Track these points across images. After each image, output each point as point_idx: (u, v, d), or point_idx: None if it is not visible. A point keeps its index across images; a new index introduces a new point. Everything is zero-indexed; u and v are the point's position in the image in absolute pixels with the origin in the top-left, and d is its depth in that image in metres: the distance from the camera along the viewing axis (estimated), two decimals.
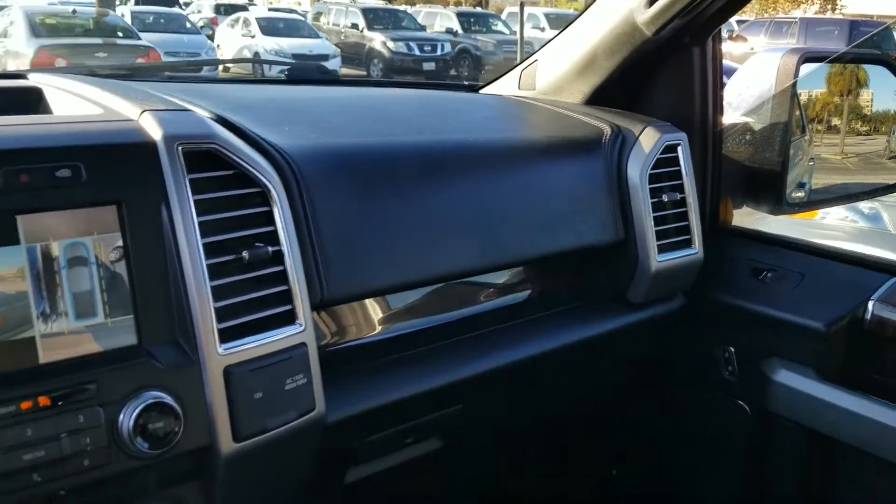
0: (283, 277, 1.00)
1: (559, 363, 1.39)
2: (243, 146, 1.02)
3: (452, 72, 15.71)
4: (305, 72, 1.65)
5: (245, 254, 0.97)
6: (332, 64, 14.88)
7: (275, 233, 1.01)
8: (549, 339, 1.34)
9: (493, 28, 17.65)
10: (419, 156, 1.22)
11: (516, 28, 17.93)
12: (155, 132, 0.95)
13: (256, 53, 15.77)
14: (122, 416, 0.87)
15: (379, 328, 1.27)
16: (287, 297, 1.01)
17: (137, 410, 0.86)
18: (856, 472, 1.45)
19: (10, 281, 0.84)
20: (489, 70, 15.70)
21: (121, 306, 0.91)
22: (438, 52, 15.95)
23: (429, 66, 15.65)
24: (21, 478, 0.81)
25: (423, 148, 1.24)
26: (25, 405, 0.82)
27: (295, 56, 14.93)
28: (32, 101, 1.17)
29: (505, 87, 1.76)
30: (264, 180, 1.00)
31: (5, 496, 0.81)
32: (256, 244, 0.99)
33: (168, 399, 0.88)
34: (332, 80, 1.74)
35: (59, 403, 0.84)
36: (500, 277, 1.45)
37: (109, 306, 0.90)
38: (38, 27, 12.12)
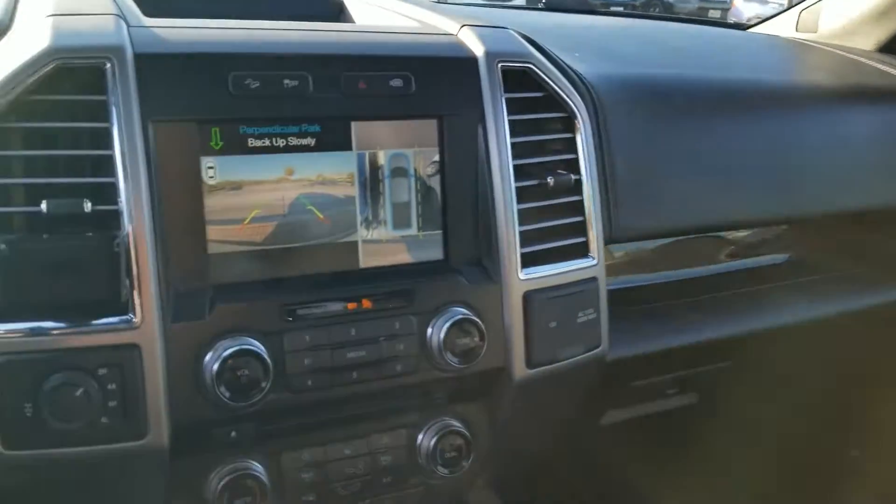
0: (580, 208, 0.97)
1: (835, 331, 1.29)
2: (554, 69, 0.98)
3: (631, 12, 15.01)
4: (564, 2, 1.61)
5: (550, 179, 0.95)
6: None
7: (576, 161, 0.98)
8: (831, 303, 1.24)
9: None
10: (714, 92, 1.15)
11: None
12: (476, 47, 0.93)
13: None
14: (430, 329, 0.87)
15: (655, 272, 1.22)
16: (582, 228, 0.98)
17: (448, 324, 0.87)
18: None
19: (341, 185, 0.86)
20: (681, 19, 14.87)
21: (432, 220, 0.91)
22: None
23: (617, 10, 15.04)
24: (343, 375, 0.84)
25: (718, 84, 1.16)
26: (351, 306, 0.84)
27: None
28: (333, 12, 1.18)
29: (780, 27, 1.62)
30: (572, 105, 0.97)
31: (326, 390, 0.84)
32: (558, 171, 0.96)
33: (474, 317, 0.88)
34: (590, 10, 1.66)
35: (380, 308, 0.85)
36: (775, 231, 1.36)
37: (423, 219, 0.91)
38: None
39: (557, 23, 1.36)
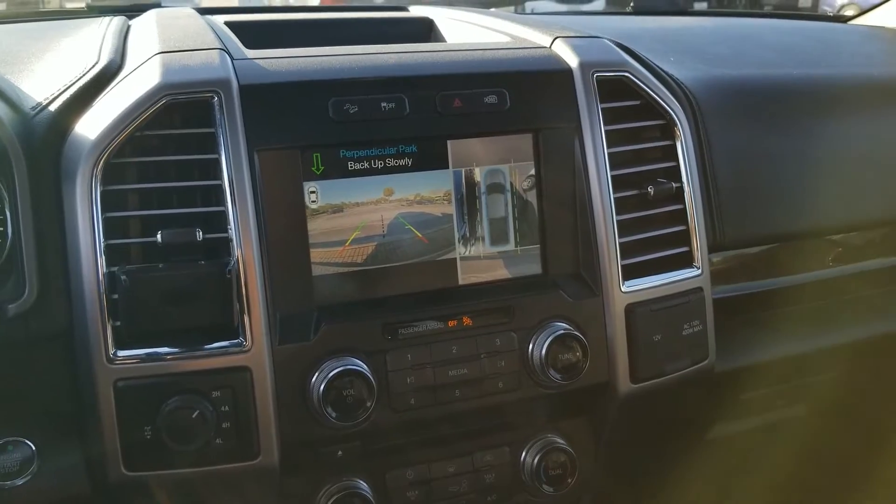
0: (682, 217, 0.95)
1: None
2: (650, 76, 0.96)
3: (722, 10, 14.57)
4: (652, 3, 1.57)
5: (650, 189, 0.92)
6: (596, 6, 14.47)
7: (676, 169, 0.95)
8: None
9: None
10: (818, 91, 1.10)
11: None
12: (570, 59, 0.92)
13: None
14: (532, 344, 0.87)
15: (752, 278, 1.18)
16: (685, 238, 0.95)
17: (549, 339, 0.86)
18: None
19: (438, 203, 0.87)
20: (767, 9, 14.37)
21: (529, 235, 0.90)
22: None
23: (700, 5, 14.63)
24: (445, 393, 0.84)
25: (822, 82, 1.12)
26: (451, 323, 0.84)
27: None
28: (423, 32, 1.19)
29: (886, 17, 1.54)
30: (671, 112, 0.94)
31: (429, 408, 0.84)
32: (659, 180, 0.94)
33: (576, 331, 0.87)
34: (679, 10, 1.62)
35: (480, 325, 0.85)
36: (881, 233, 1.28)
37: (520, 234, 0.90)
38: None
39: (648, 27, 1.33)
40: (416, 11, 1.28)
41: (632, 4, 1.63)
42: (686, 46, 1.18)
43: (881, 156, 1.09)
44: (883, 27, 1.51)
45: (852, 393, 1.29)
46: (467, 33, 1.11)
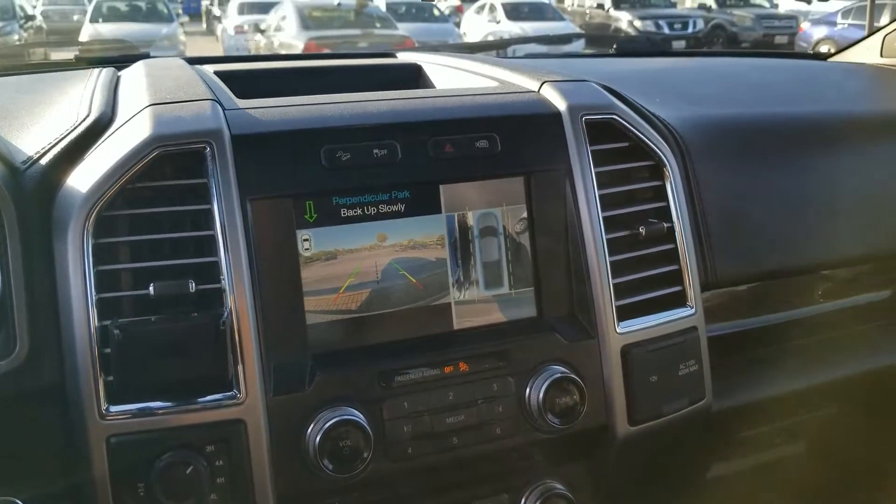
0: (674, 256, 0.95)
1: None
2: (638, 118, 0.97)
3: (705, 49, 14.86)
4: (634, 44, 1.59)
5: (641, 229, 0.93)
6: (576, 47, 14.72)
7: (667, 209, 0.96)
8: None
9: (752, 2, 16.40)
10: (805, 128, 1.12)
11: (777, 0, 16.58)
12: (559, 103, 0.93)
13: (501, 38, 15.99)
14: (529, 389, 0.86)
15: (752, 314, 1.18)
16: (678, 277, 0.95)
17: (546, 383, 0.85)
18: None
19: (431, 248, 0.86)
20: (745, 47, 14.66)
21: (523, 277, 0.90)
22: (689, 30, 15.13)
23: (678, 44, 14.90)
24: (443, 440, 0.83)
25: (809, 119, 1.13)
26: (448, 369, 0.84)
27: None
28: (412, 78, 1.21)
29: (863, 54, 1.57)
30: (660, 153, 0.95)
31: (427, 457, 0.83)
32: (650, 220, 0.94)
33: (573, 374, 0.86)
34: (662, 51, 1.65)
35: (476, 370, 0.84)
36: (874, 267, 1.29)
37: (514, 277, 0.90)
38: (308, 20, 13.18)
39: (632, 68, 1.35)
40: (403, 58, 1.29)
41: (614, 47, 1.66)
42: (671, 87, 1.20)
43: (865, 190, 1.10)
44: (861, 64, 1.55)
45: (850, 429, 1.28)
46: (455, 79, 1.13)
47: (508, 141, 0.89)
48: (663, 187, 0.96)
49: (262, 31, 13.90)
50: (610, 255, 0.90)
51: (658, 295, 0.94)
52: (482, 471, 0.89)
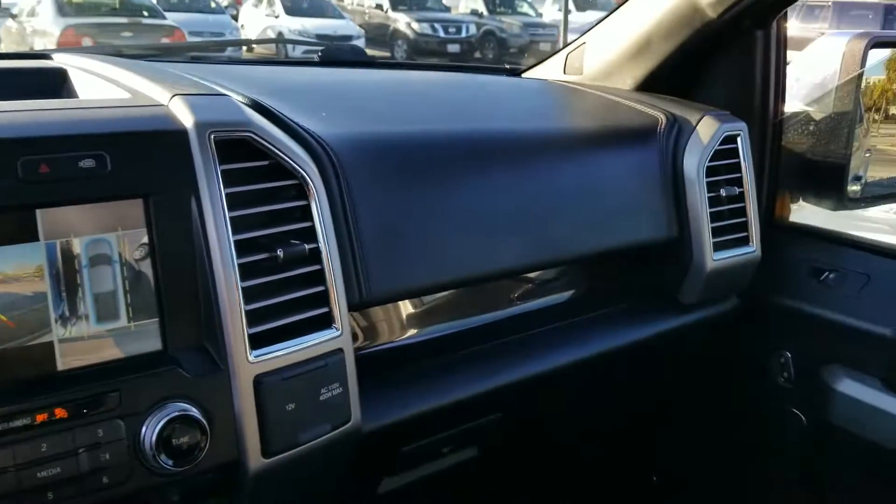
0: (319, 277, 0.93)
1: (605, 367, 1.31)
2: (280, 134, 0.94)
3: (477, 54, 15.51)
4: (339, 53, 1.57)
5: (279, 252, 0.89)
6: (356, 45, 14.78)
7: (312, 229, 0.93)
8: (595, 342, 1.26)
9: (519, 10, 17.34)
10: (465, 145, 1.14)
11: (542, 10, 17.70)
12: (186, 119, 0.87)
13: (280, 33, 15.69)
14: (144, 430, 0.79)
15: (415, 330, 1.19)
16: (324, 298, 0.93)
17: (161, 423, 0.79)
18: None
19: (27, 281, 0.77)
20: (513, 52, 15.50)
21: (145, 309, 0.83)
22: (463, 34, 15.74)
23: (453, 48, 15.46)
24: (34, 496, 0.74)
25: (470, 137, 1.16)
26: (40, 417, 0.75)
27: (319, 36, 14.83)
28: (57, 84, 1.09)
29: (549, 71, 1.66)
30: (302, 172, 0.92)
31: None
32: (292, 241, 0.91)
33: (194, 411, 0.81)
34: (367, 62, 1.64)
35: (77, 416, 0.76)
36: (544, 275, 1.37)
37: (133, 309, 0.82)
38: (65, 6, 12.13)
39: (311, 80, 1.32)
40: (58, 60, 1.17)
41: (319, 53, 1.63)
42: (345, 102, 1.18)
43: (524, 205, 1.14)
44: (545, 80, 1.63)
45: (522, 431, 1.35)
46: (96, 87, 1.03)
47: (122, 160, 0.81)
48: (308, 207, 0.93)
49: (14, 17, 12.61)
50: (243, 280, 0.86)
51: (300, 319, 0.91)
52: None
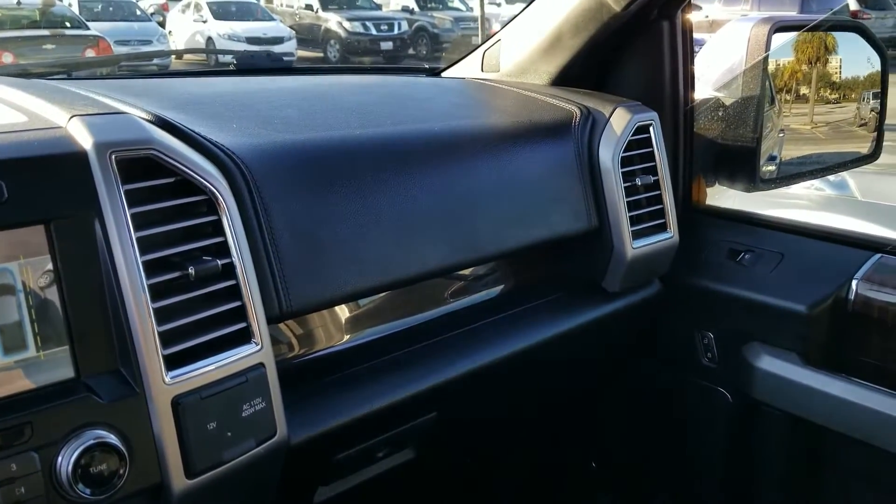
0: (235, 293, 0.92)
1: (535, 358, 1.33)
2: (185, 150, 0.93)
3: (410, 50, 15.52)
4: (255, 60, 1.55)
5: (191, 269, 0.88)
6: (288, 46, 14.61)
7: (224, 244, 0.92)
8: (525, 335, 1.28)
9: (450, 5, 17.41)
10: (379, 149, 1.14)
11: (473, 4, 17.78)
12: (85, 140, 0.85)
13: (209, 38, 15.44)
14: (60, 460, 0.78)
15: (343, 336, 1.19)
16: (241, 313, 0.92)
17: (77, 452, 0.78)
18: (844, 460, 1.41)
19: None
20: (446, 47, 15.54)
21: (54, 337, 0.82)
22: (395, 31, 15.72)
23: (386, 45, 15.43)
24: None
25: (383, 140, 1.16)
26: None
27: (249, 39, 14.64)
28: None
29: (467, 69, 1.68)
30: (210, 186, 0.92)
31: None
32: (204, 258, 0.90)
33: (111, 437, 0.80)
34: (284, 67, 1.63)
35: None
36: (472, 273, 1.38)
37: (41, 338, 0.81)
38: None
39: (223, 91, 1.31)
40: None
41: (233, 63, 1.61)
42: (255, 111, 1.17)
43: (444, 205, 1.15)
44: (463, 79, 1.65)
45: (458, 428, 1.36)
46: None
47: (20, 186, 0.79)
48: (220, 222, 0.92)
49: None
50: (154, 300, 0.85)
51: (218, 335, 0.90)
52: None
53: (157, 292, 0.85)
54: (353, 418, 1.05)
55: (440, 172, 1.18)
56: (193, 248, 0.90)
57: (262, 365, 0.92)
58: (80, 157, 0.84)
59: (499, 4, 17.25)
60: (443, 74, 1.74)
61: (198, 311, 0.89)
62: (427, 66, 1.75)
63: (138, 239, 0.85)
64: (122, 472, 0.80)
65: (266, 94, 1.31)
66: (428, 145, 1.20)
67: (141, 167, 0.88)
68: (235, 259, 0.92)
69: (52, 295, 0.82)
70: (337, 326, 1.20)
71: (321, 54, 15.56)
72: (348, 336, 1.20)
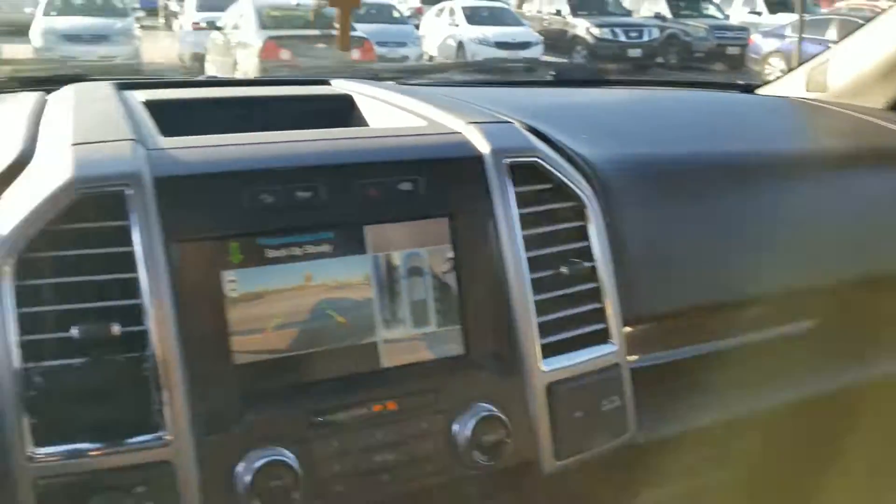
0: (597, 294, 0.99)
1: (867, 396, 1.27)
2: (560, 159, 1.01)
3: (659, 59, 15.12)
4: (572, 71, 1.63)
5: (564, 269, 0.96)
6: (535, 52, 14.85)
7: (588, 248, 0.99)
8: (853, 370, 1.23)
9: (705, 12, 16.69)
10: (727, 166, 1.16)
11: (729, 12, 16.94)
12: (482, 146, 0.96)
13: (461, 42, 16.07)
14: (456, 426, 0.88)
15: (678, 346, 1.22)
16: (601, 314, 0.99)
17: (474, 421, 0.88)
18: None
19: (357, 288, 0.89)
20: (698, 56, 14.96)
21: (450, 316, 0.93)
22: (644, 38, 15.38)
23: (634, 52, 15.15)
24: (373, 479, 0.85)
25: (731, 157, 1.18)
26: (377, 408, 0.86)
27: (498, 44, 15.05)
28: (344, 110, 1.22)
29: (789, 87, 1.64)
30: (581, 195, 0.99)
31: (357, 495, 0.85)
32: (572, 260, 0.98)
33: (498, 411, 0.89)
34: (599, 80, 1.69)
35: (405, 409, 0.87)
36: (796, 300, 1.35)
37: (440, 315, 0.92)
38: (266, 20, 13.09)
39: (563, 102, 1.39)
40: (336, 86, 1.30)
41: (551, 73, 1.70)
42: (599, 123, 1.24)
43: (784, 227, 1.15)
44: (787, 98, 1.61)
45: (777, 455, 1.33)
46: (385, 114, 1.15)
47: (431, 183, 0.91)
48: (585, 228, 0.99)
49: (220, 29, 13.73)
50: (535, 294, 0.93)
51: (582, 332, 0.97)
52: None
53: (537, 287, 0.94)
54: (692, 428, 1.08)
55: (783, 193, 1.18)
56: (564, 250, 0.98)
57: (618, 365, 0.98)
58: (478, 161, 0.95)
59: (759, 14, 16.32)
60: (759, 91, 1.71)
61: (565, 308, 0.97)
62: (741, 83, 1.73)
63: (524, 237, 0.94)
64: (506, 444, 0.89)
65: (600, 107, 1.38)
66: (771, 164, 1.20)
67: (524, 173, 0.97)
68: (598, 263, 0.99)
69: (450, 280, 0.93)
70: (674, 334, 1.22)
71: (567, 60, 15.62)
72: (680, 346, 1.22)
